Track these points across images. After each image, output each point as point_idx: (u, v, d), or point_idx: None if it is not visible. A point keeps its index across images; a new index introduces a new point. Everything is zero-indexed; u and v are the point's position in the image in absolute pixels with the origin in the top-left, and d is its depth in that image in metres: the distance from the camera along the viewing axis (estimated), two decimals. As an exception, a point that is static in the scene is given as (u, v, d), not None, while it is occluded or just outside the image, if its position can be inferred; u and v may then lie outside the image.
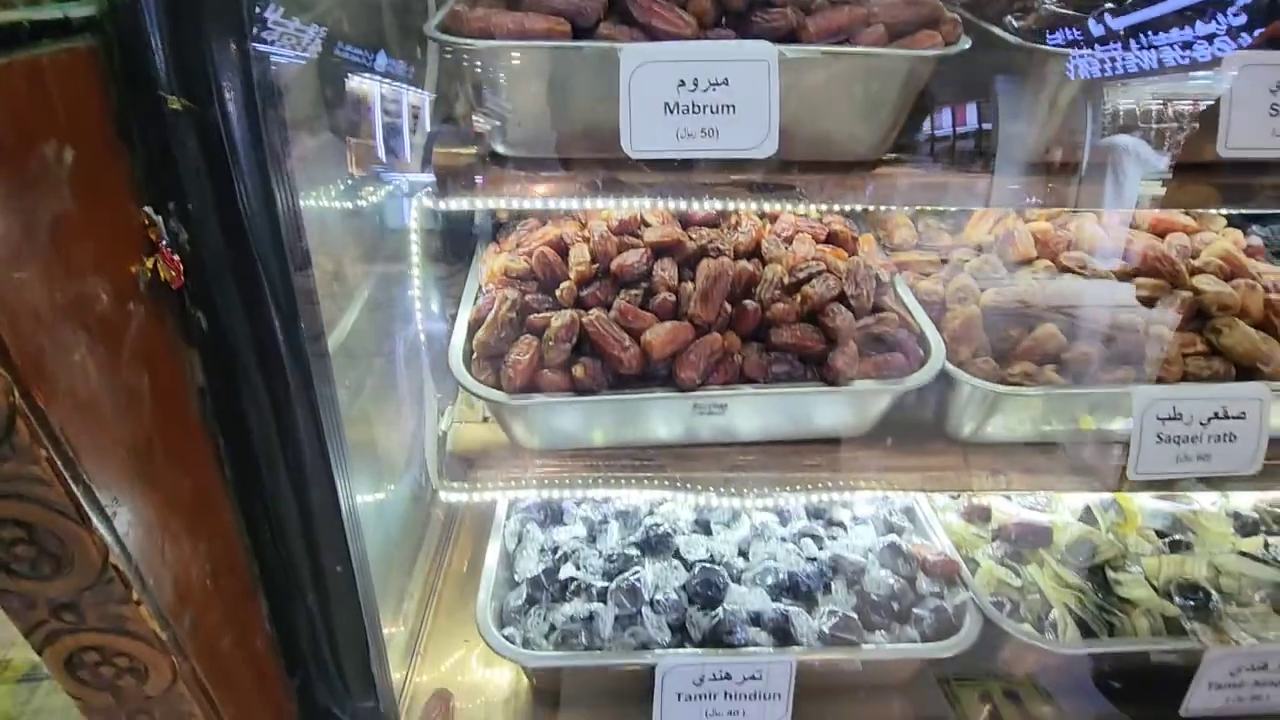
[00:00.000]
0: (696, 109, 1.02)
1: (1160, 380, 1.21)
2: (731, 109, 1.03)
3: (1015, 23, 1.15)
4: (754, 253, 1.36)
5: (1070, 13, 1.13)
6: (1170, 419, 1.18)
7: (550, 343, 1.18)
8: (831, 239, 1.47)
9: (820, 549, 1.43)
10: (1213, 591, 1.31)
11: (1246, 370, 1.22)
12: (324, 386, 0.98)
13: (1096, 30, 1.10)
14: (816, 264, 1.31)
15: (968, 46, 1.12)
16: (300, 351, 0.93)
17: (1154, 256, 1.34)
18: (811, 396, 1.20)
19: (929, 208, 1.56)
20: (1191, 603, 1.30)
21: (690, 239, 1.33)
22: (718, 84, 1.02)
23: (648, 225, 1.37)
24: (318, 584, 1.00)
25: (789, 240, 1.41)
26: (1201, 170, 1.11)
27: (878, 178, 1.20)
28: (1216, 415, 1.19)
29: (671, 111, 1.02)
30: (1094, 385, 1.21)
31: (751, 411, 1.24)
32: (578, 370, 1.15)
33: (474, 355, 1.25)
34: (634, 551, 1.39)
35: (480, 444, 1.40)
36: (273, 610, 0.98)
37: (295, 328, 0.91)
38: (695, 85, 1.02)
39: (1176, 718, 1.24)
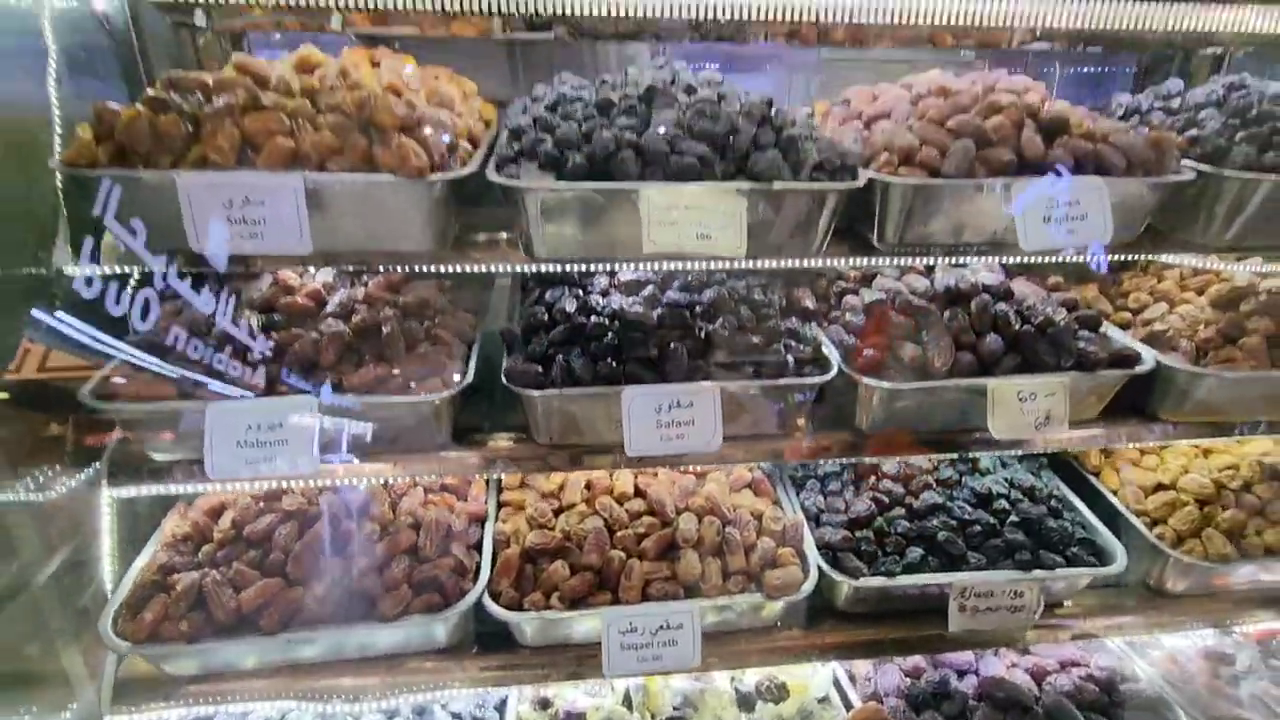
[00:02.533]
0: (263, 444, 1.53)
1: (628, 602, 1.72)
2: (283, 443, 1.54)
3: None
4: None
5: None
6: (629, 631, 1.68)
7: (173, 602, 1.60)
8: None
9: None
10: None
11: (690, 590, 1.75)
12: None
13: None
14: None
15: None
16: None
17: (654, 501, 1.90)
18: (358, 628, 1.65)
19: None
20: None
21: (313, 505, 1.81)
22: (274, 423, 1.54)
23: (288, 493, 1.85)
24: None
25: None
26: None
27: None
28: (662, 627, 1.70)
29: (242, 445, 1.52)
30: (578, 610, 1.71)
31: (331, 643, 1.68)
32: (183, 625, 1.57)
33: (125, 610, 1.66)
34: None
35: (153, 674, 1.77)
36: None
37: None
38: (259, 426, 1.53)
39: None
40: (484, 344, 1.94)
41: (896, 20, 2.08)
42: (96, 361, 1.69)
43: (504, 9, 1.98)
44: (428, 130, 1.50)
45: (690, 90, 1.71)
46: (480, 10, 1.98)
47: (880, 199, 1.66)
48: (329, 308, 1.76)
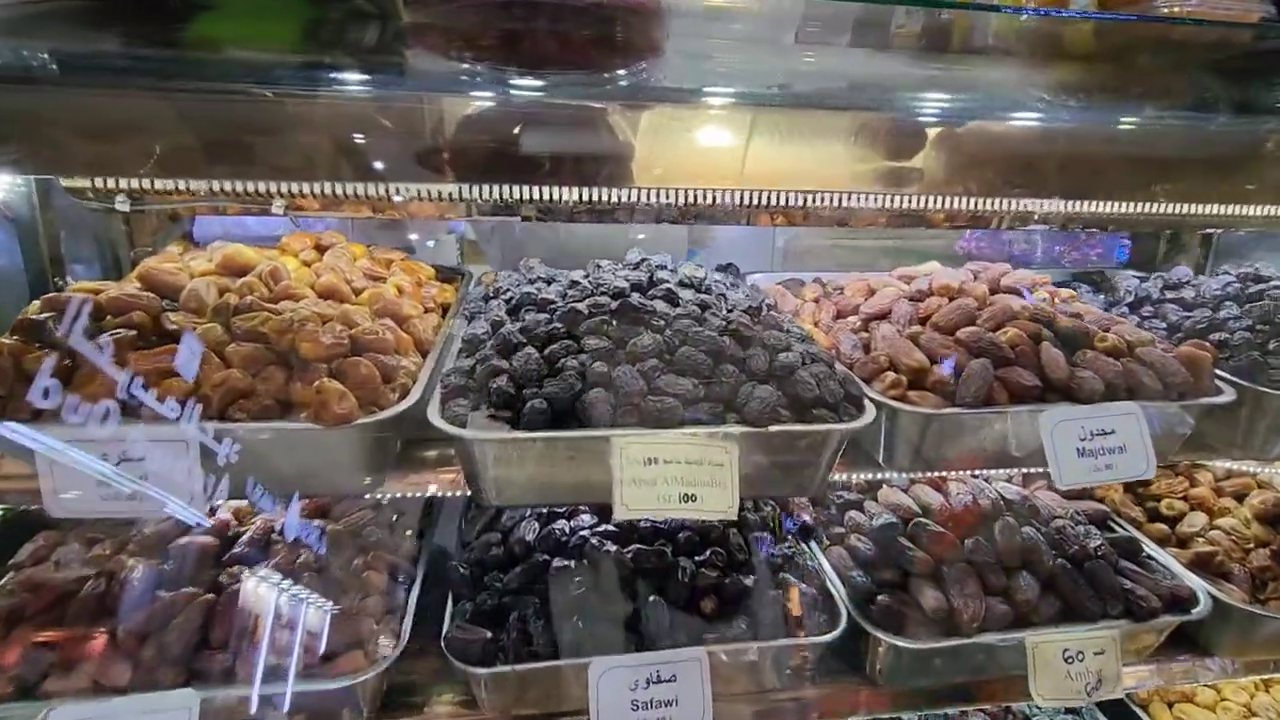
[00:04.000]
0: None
1: None
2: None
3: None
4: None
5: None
6: None
7: None
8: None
9: None
10: None
11: None
12: None
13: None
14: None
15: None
16: None
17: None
18: None
19: None
20: None
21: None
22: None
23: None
24: None
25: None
26: None
27: None
28: None
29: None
30: None
31: None
32: None
33: None
34: None
35: None
36: None
37: None
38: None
39: None
40: (431, 559, 1.65)
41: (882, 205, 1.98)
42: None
43: (462, 195, 1.84)
44: (360, 361, 1.27)
45: (670, 298, 1.52)
46: (430, 196, 1.83)
47: (888, 424, 1.44)
48: (237, 548, 1.47)
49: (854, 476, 1.79)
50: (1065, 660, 1.45)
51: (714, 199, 1.75)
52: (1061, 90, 1.56)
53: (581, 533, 1.58)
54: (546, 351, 1.34)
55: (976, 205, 1.89)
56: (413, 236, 2.35)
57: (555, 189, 1.83)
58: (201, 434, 1.15)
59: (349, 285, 1.57)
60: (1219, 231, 2.34)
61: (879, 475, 1.78)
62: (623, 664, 1.34)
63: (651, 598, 1.43)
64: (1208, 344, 1.62)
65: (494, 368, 1.30)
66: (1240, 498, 1.89)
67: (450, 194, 1.84)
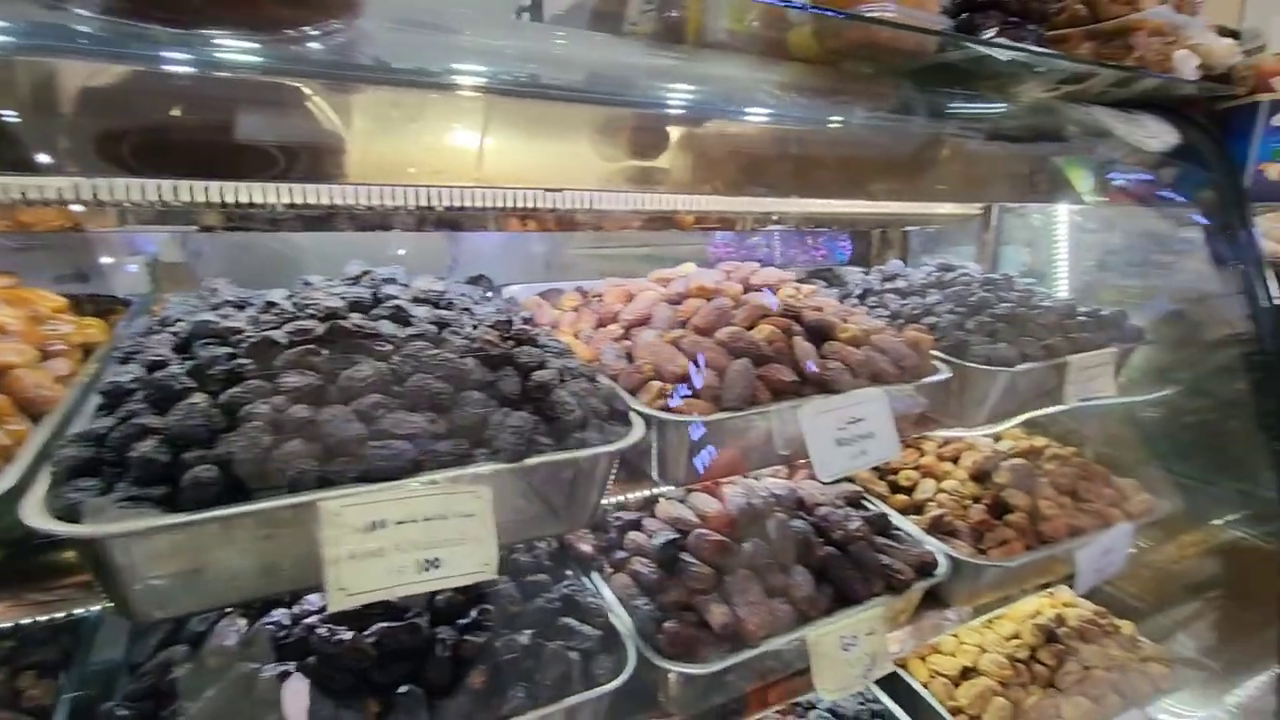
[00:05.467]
0: None
1: None
2: None
3: None
4: None
5: None
6: None
7: None
8: None
9: None
10: None
11: None
12: None
13: None
14: None
15: None
16: None
17: None
18: None
19: None
20: None
21: None
22: None
23: None
24: None
25: None
26: None
27: None
28: None
29: None
30: None
31: None
32: None
33: None
34: None
35: None
36: None
37: None
38: None
39: None
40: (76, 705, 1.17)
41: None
42: None
43: (99, 198, 1.39)
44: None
45: (400, 316, 1.25)
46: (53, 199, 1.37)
47: (659, 437, 1.33)
48: None
49: (631, 495, 1.68)
50: (844, 649, 1.47)
51: (453, 200, 1.53)
52: (784, 89, 1.60)
53: (307, 621, 1.24)
54: (225, 397, 1.00)
55: (721, 204, 1.91)
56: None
57: (244, 190, 1.47)
58: None
59: (-103, 327, 1.06)
60: (918, 229, 2.68)
61: (655, 491, 1.70)
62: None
63: (403, 689, 1.15)
64: (924, 327, 1.78)
65: (140, 427, 0.93)
66: (956, 459, 2.14)
67: (82, 194, 1.38)
